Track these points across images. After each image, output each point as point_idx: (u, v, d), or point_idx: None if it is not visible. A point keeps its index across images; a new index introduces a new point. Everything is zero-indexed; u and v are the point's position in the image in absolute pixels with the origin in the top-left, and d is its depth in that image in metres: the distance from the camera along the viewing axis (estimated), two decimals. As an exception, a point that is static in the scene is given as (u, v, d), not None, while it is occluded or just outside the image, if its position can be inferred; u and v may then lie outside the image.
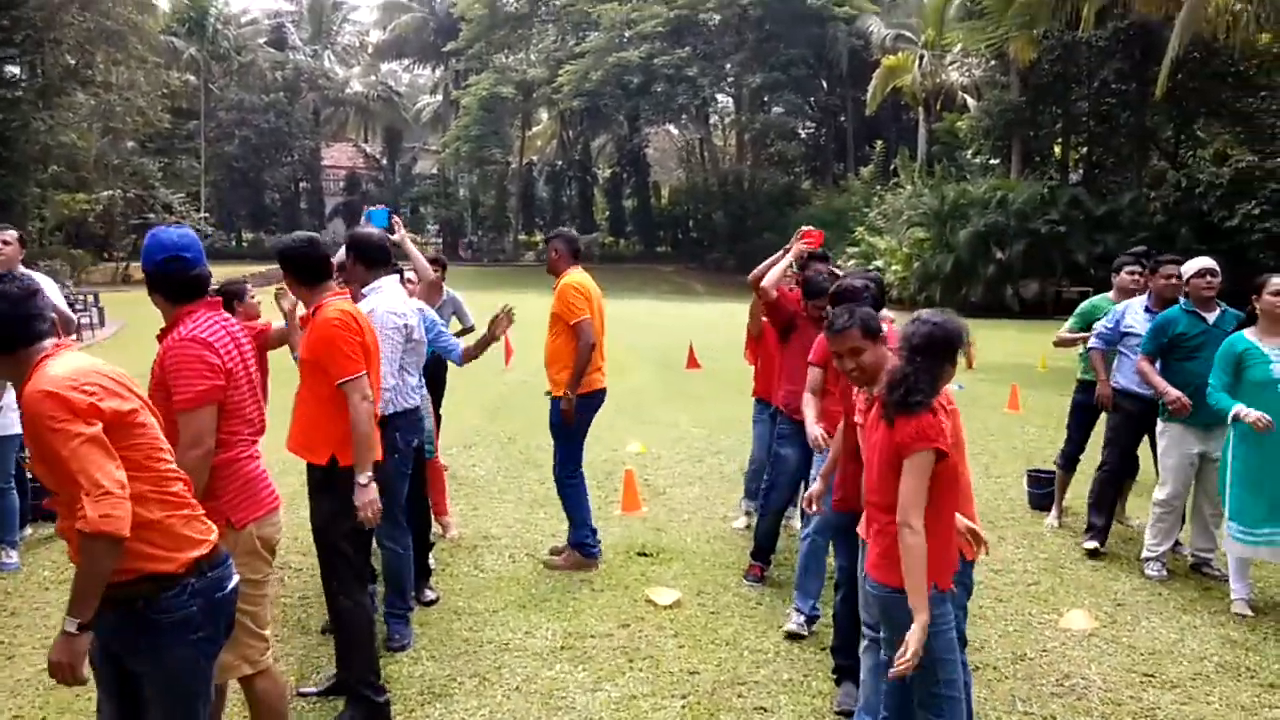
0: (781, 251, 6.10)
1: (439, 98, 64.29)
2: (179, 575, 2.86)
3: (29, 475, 7.05)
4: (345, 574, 4.36)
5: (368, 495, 4.18)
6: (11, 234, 6.54)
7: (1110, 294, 7.40)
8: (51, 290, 6.42)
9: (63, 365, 2.78)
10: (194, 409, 3.43)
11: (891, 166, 39.77)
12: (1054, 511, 7.55)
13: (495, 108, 53.31)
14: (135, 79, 36.47)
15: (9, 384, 6.11)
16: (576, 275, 6.44)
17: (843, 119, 51.10)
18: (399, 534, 5.21)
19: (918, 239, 31.69)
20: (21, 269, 6.28)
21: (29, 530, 6.98)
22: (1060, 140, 34.75)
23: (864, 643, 3.99)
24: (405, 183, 64.97)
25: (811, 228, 6.11)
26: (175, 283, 3.52)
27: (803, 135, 56.12)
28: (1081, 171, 35.09)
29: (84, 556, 2.67)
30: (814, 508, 4.76)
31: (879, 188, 38.82)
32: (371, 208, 5.97)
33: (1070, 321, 7.50)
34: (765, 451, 6.57)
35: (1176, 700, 4.69)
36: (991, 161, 35.57)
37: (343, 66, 66.31)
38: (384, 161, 66.40)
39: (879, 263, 33.52)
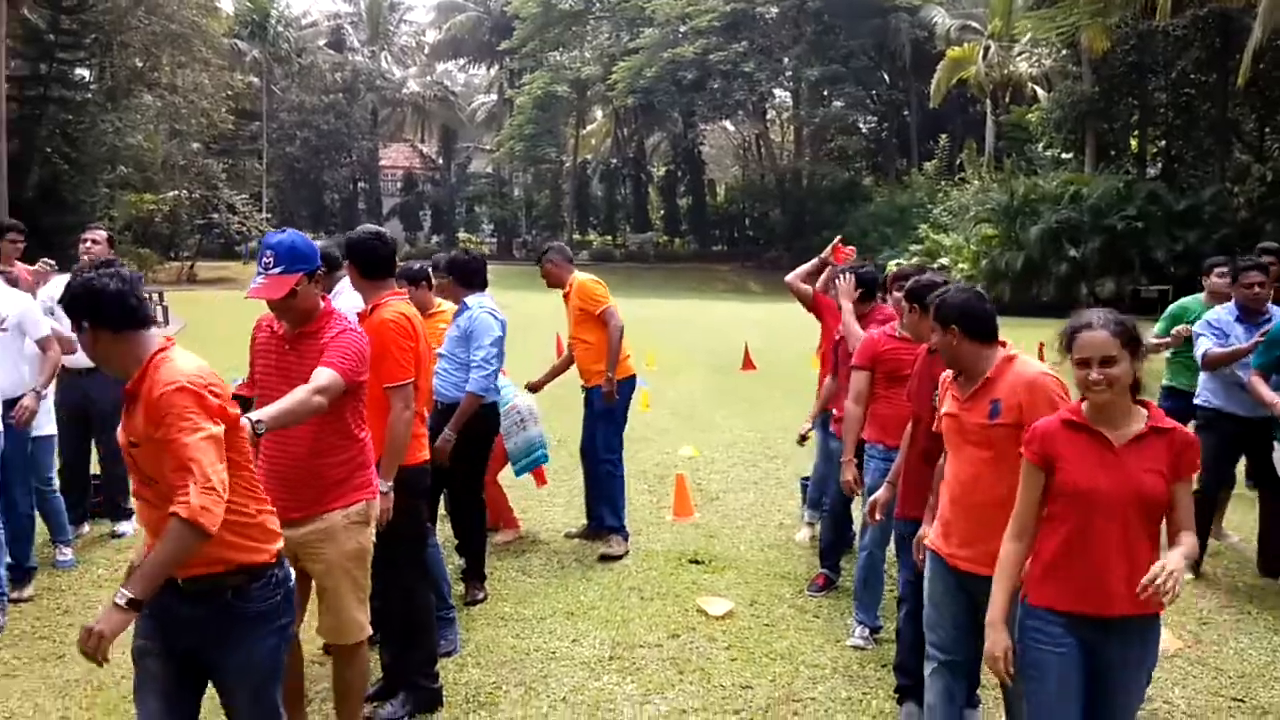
0: (817, 259, 6.49)
1: (494, 97, 64.50)
2: (269, 565, 3.02)
3: (93, 473, 7.11)
4: (408, 568, 4.40)
5: (385, 502, 4.06)
6: (101, 234, 6.86)
7: (1202, 296, 6.87)
8: None
9: (189, 362, 2.95)
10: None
11: (957, 161, 39.02)
12: None
13: (549, 106, 53.26)
14: (200, 81, 37.12)
15: (49, 390, 6.09)
16: (584, 275, 6.97)
17: (906, 113, 50.26)
18: (429, 534, 5.10)
19: (985, 236, 30.94)
20: None
21: (86, 528, 6.97)
22: (1136, 133, 33.79)
23: (930, 665, 3.73)
24: (460, 182, 65.31)
25: (840, 242, 6.40)
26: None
27: (864, 130, 55.32)
28: (1160, 165, 34.09)
29: (169, 540, 2.75)
30: (877, 517, 4.52)
31: (944, 183, 38.12)
32: None
33: (1157, 326, 6.96)
34: (828, 462, 6.31)
35: (1269, 729, 4.36)
36: (1063, 155, 34.58)
37: (399, 67, 66.84)
38: (440, 161, 66.82)
39: (944, 260, 32.88)
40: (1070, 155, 34.13)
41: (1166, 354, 7.05)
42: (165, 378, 2.88)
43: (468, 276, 5.88)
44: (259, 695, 3.07)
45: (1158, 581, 2.76)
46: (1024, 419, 3.44)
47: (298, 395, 3.47)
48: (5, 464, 5.55)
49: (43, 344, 5.84)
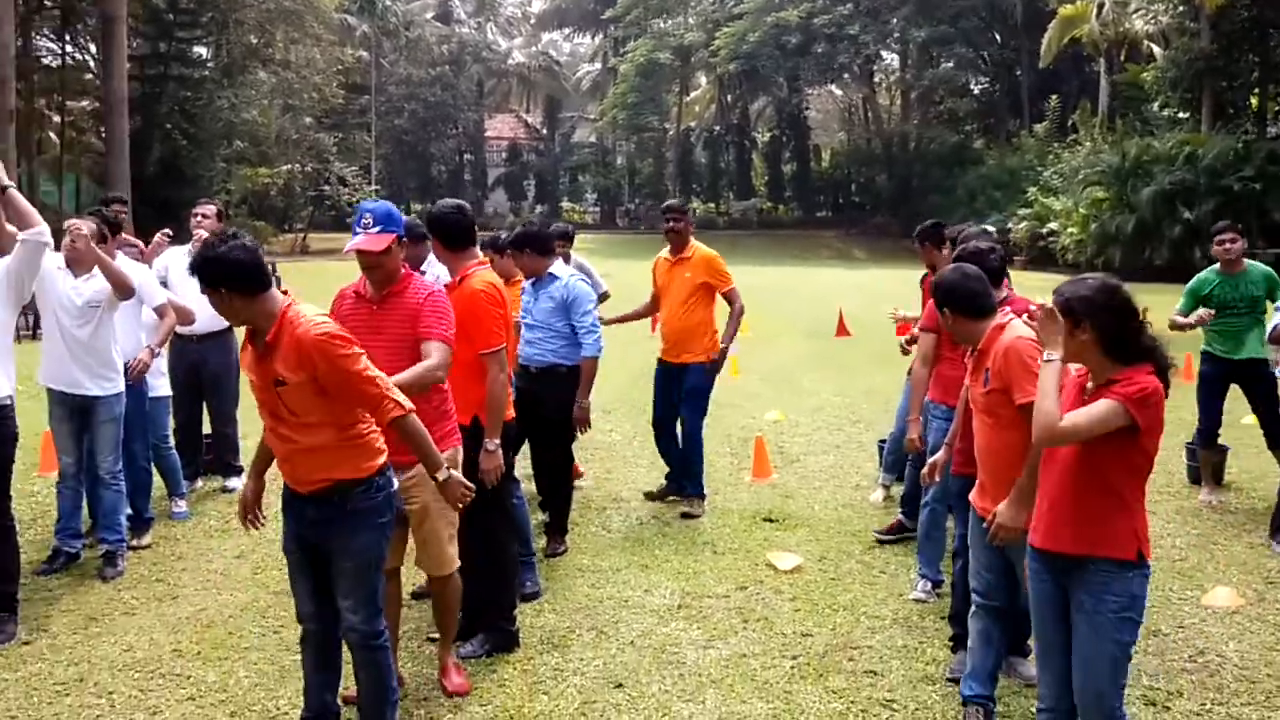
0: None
1: (598, 65, 64.69)
2: (372, 475, 3.61)
3: (205, 433, 7.61)
4: (495, 515, 4.72)
5: (494, 461, 4.53)
6: (211, 208, 7.24)
7: (1216, 266, 6.91)
8: None
9: (316, 311, 3.53)
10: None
11: (1070, 122, 37.82)
12: (1205, 489, 7.10)
13: (652, 74, 53.17)
14: (311, 56, 38.13)
15: (163, 352, 6.56)
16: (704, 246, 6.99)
17: (1018, 73, 48.78)
18: (514, 487, 5.37)
19: (1096, 199, 30.00)
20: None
21: (200, 483, 7.46)
22: (1257, 91, 32.27)
23: (972, 609, 3.91)
24: (565, 152, 65.72)
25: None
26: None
27: (975, 91, 53.88)
28: (1283, 124, 32.58)
29: (406, 434, 3.55)
30: (935, 478, 4.65)
31: (1055, 145, 37.00)
32: None
33: (1180, 303, 6.92)
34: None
35: (1322, 684, 4.38)
36: (1180, 115, 33.24)
37: (505, 38, 67.39)
38: (544, 131, 67.35)
39: (1054, 225, 32.07)
40: (1187, 115, 32.73)
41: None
42: (311, 325, 3.43)
43: (544, 245, 6.03)
44: (362, 577, 3.65)
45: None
46: (1006, 384, 3.61)
47: (418, 370, 4.00)
48: (127, 422, 5.98)
49: (159, 311, 6.26)
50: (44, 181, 33.48)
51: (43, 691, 4.39)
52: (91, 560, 5.91)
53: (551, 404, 5.92)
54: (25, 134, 25.68)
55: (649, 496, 7.23)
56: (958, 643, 4.53)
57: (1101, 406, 3.00)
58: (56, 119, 34.28)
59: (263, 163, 36.71)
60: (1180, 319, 6.76)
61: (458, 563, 4.34)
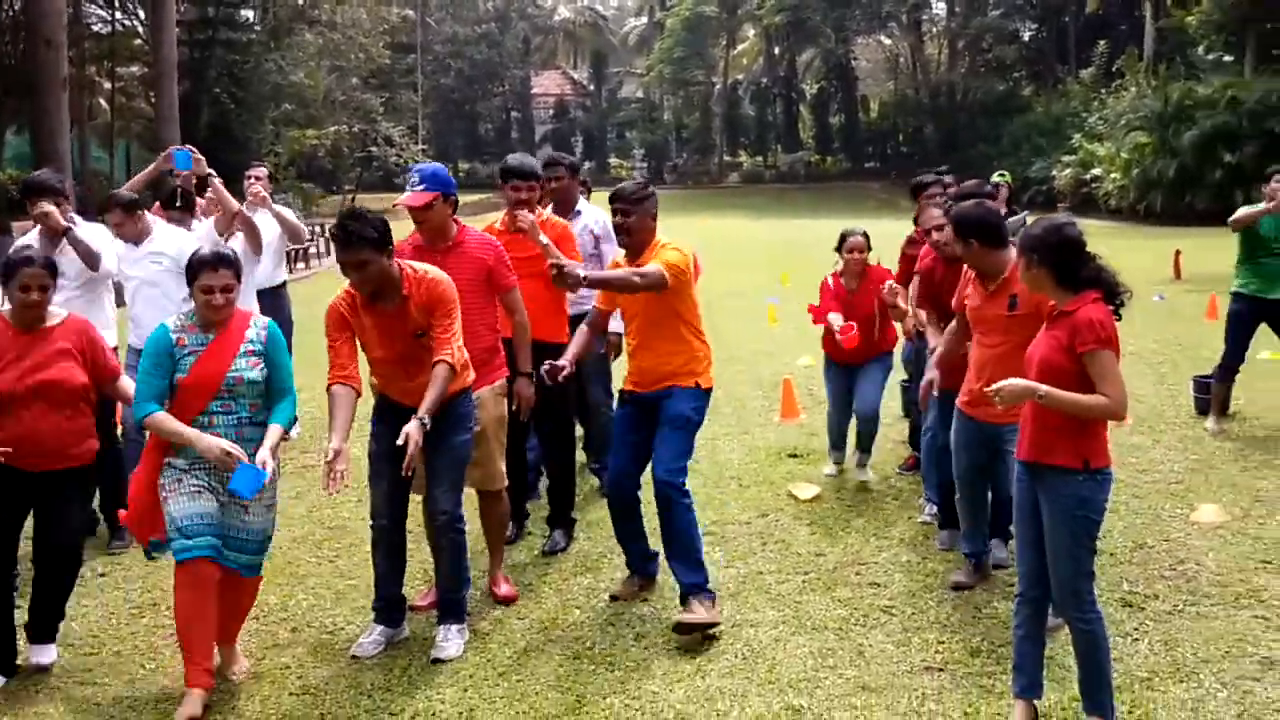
0: None
1: (644, 20, 64.56)
2: (468, 388, 4.44)
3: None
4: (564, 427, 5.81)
5: (527, 389, 5.15)
6: (263, 170, 7.73)
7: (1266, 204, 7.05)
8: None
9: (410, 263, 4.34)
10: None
11: (1116, 67, 37.37)
12: (1212, 419, 7.40)
13: (699, 27, 53.16)
14: (357, 16, 38.57)
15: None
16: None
17: (1065, 19, 48.13)
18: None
19: (1139, 144, 29.86)
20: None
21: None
22: (1302, 32, 31.71)
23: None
24: (611, 107, 65.85)
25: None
26: None
27: (1024, 38, 53.15)
28: (1328, 65, 31.96)
29: (441, 379, 4.12)
30: (929, 402, 5.09)
31: (1102, 91, 36.61)
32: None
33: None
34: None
35: (1289, 587, 4.75)
36: (1225, 59, 32.81)
37: (551, -7, 67.43)
38: (591, 87, 67.42)
39: (1097, 171, 31.86)
40: (1231, 59, 32.29)
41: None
42: (434, 277, 4.23)
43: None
44: (455, 470, 4.41)
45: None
46: (1040, 310, 3.97)
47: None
48: None
49: None
50: (95, 148, 34.27)
51: (120, 614, 4.95)
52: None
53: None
54: (76, 101, 26.28)
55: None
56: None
57: (1100, 364, 3.41)
58: (107, 85, 35.02)
59: (310, 124, 37.15)
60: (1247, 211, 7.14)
61: (506, 480, 4.95)
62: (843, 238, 6.65)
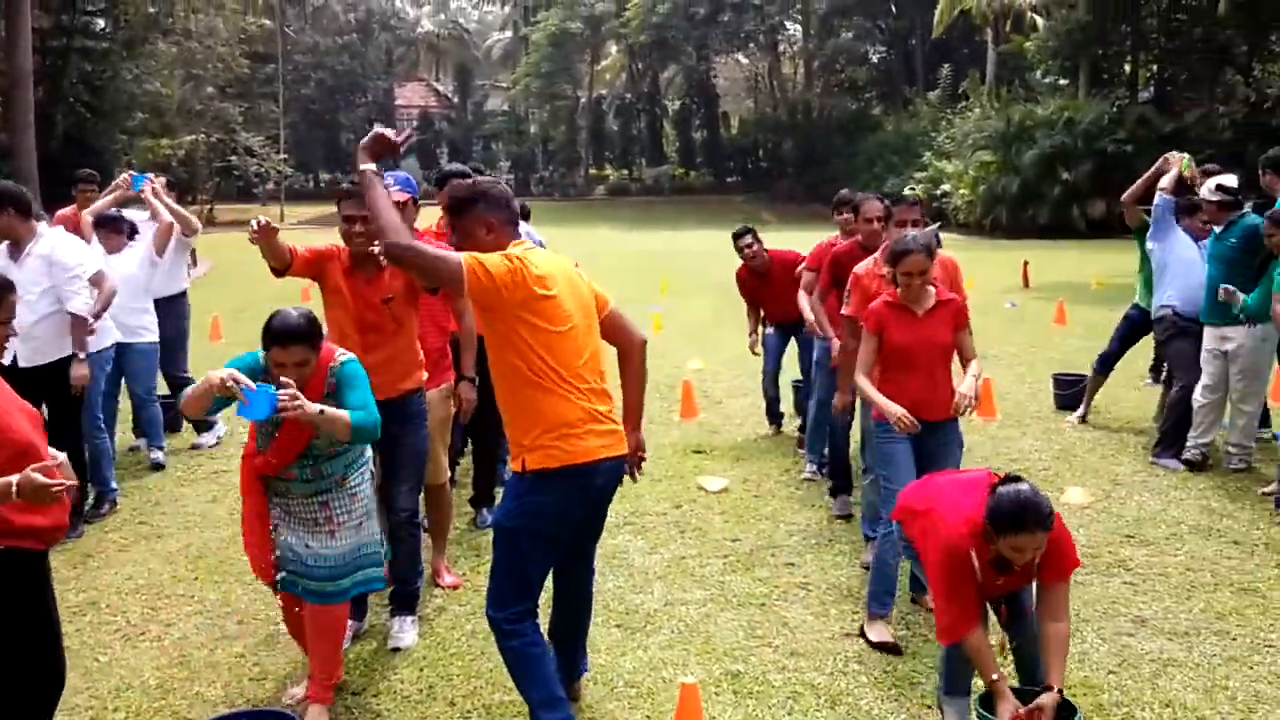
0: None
1: (509, 34, 64.63)
2: (422, 386, 4.78)
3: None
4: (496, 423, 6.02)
5: (470, 392, 5.40)
6: (150, 175, 7.73)
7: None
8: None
9: None
10: None
11: (960, 90, 39.47)
12: (1081, 410, 8.16)
13: (564, 43, 53.57)
14: (214, 26, 37.65)
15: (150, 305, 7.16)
16: None
17: (912, 42, 50.41)
18: None
19: (984, 162, 31.68)
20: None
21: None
22: (1130, 59, 34.23)
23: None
24: (477, 120, 65.68)
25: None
26: None
27: (874, 60, 55.43)
28: (1153, 90, 34.55)
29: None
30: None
31: (948, 112, 38.61)
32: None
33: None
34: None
35: (1149, 555, 5.44)
36: (1060, 82, 35.17)
37: (413, 6, 66.91)
38: (456, 100, 67.15)
39: (946, 187, 33.58)
40: (1066, 82, 34.73)
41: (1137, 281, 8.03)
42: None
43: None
44: (415, 467, 4.76)
45: (961, 402, 4.44)
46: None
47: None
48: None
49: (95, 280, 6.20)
50: (-54, 158, 32.62)
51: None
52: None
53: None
54: (-75, 109, 25.22)
55: None
56: (836, 490, 6.24)
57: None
58: (-42, 94, 33.35)
59: (165, 134, 36.25)
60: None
61: (449, 473, 5.34)
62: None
